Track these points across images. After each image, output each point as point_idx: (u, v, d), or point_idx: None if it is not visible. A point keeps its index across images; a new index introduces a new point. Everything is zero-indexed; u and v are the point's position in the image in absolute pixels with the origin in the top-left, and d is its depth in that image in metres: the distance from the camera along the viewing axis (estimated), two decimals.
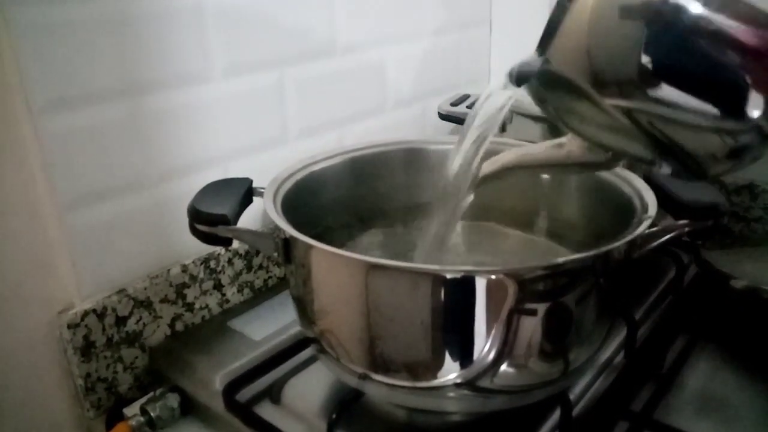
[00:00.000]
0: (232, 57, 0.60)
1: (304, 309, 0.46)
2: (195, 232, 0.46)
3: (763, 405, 0.53)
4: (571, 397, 0.49)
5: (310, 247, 0.42)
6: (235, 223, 0.47)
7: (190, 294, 0.62)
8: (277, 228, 0.43)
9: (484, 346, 0.41)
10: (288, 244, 0.44)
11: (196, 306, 0.63)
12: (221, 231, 0.45)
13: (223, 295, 0.65)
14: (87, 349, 0.55)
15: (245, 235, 0.46)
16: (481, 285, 0.40)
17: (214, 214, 0.45)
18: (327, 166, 0.55)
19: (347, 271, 0.42)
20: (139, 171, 0.56)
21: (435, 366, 0.42)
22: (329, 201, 0.56)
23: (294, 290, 0.47)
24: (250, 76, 0.62)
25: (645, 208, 0.45)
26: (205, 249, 0.62)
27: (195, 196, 0.48)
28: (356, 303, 0.42)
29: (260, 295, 0.68)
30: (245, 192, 0.50)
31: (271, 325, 0.61)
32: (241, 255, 0.65)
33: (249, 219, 0.50)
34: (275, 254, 0.45)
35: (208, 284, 0.63)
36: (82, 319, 0.54)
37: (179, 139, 0.58)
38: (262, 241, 0.45)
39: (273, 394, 0.53)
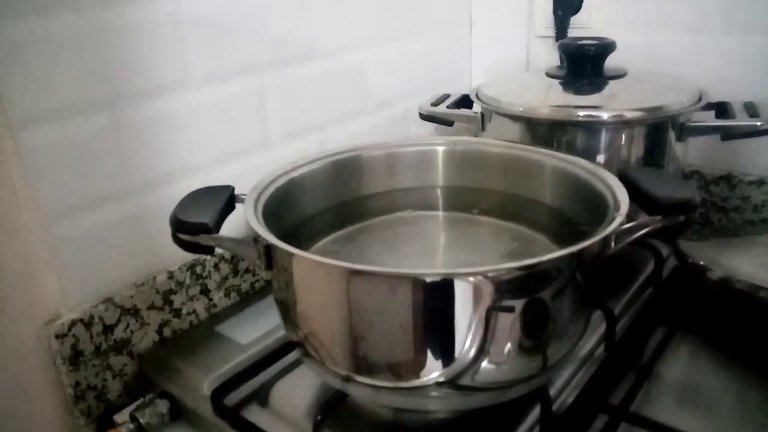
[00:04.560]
0: (211, 65, 0.61)
1: (288, 314, 0.47)
2: (177, 241, 0.47)
3: (739, 392, 0.54)
4: (552, 391, 0.50)
5: (291, 254, 0.43)
6: (218, 231, 0.47)
7: (177, 300, 0.63)
8: (259, 235, 0.44)
9: (464, 345, 0.42)
10: (270, 251, 0.45)
11: (184, 312, 0.64)
12: (203, 239, 0.45)
13: (210, 300, 0.66)
14: (75, 358, 0.55)
15: (227, 243, 0.46)
16: (459, 287, 0.40)
17: (195, 222, 0.45)
18: (307, 171, 0.56)
19: (328, 277, 0.43)
20: (121, 180, 0.57)
21: (417, 366, 0.43)
22: (311, 206, 0.57)
23: (277, 296, 0.48)
24: (230, 83, 0.63)
25: (617, 206, 0.46)
26: (191, 255, 0.62)
27: (177, 205, 0.48)
28: (338, 308, 0.43)
29: (247, 299, 0.69)
30: (227, 199, 0.50)
31: (258, 328, 0.62)
32: (227, 260, 0.66)
33: (233, 226, 0.51)
34: (258, 261, 0.46)
35: (195, 290, 0.64)
36: (70, 329, 0.54)
37: (161, 148, 0.59)
38: (245, 248, 0.46)
39: (261, 397, 0.53)
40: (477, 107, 0.73)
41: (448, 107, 0.75)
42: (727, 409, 0.52)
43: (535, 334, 0.44)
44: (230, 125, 0.64)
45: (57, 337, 0.54)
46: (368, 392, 0.45)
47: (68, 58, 0.50)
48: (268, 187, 0.51)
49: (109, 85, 0.54)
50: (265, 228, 0.44)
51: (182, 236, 0.46)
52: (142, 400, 0.57)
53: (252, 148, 0.67)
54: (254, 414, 0.52)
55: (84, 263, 0.56)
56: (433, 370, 0.43)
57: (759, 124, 0.63)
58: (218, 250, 0.61)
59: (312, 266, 0.43)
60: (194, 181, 0.62)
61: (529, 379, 0.45)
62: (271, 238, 0.43)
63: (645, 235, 0.45)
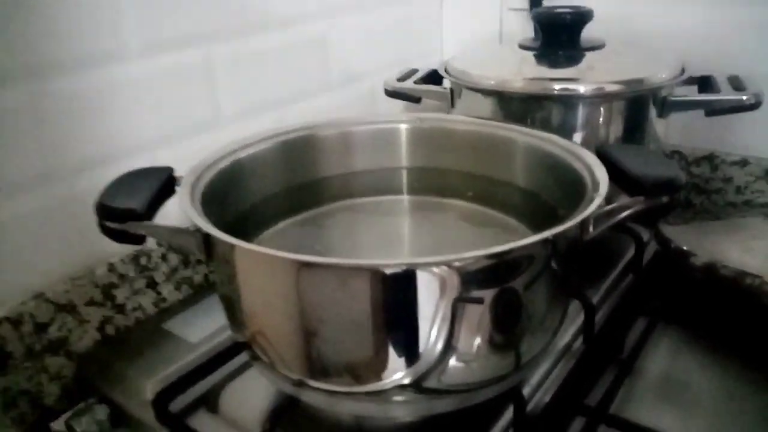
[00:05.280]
0: (150, 33, 0.56)
1: (232, 312, 0.42)
2: (104, 230, 0.41)
3: (725, 387, 0.51)
4: (526, 389, 0.47)
5: (233, 246, 0.38)
6: (151, 218, 0.42)
7: (120, 294, 0.58)
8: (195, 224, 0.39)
9: (428, 342, 0.38)
10: (209, 241, 0.40)
11: (128, 307, 0.58)
12: (131, 227, 0.40)
13: (159, 293, 0.61)
14: (3, 361, 0.50)
15: (161, 231, 0.41)
16: (422, 279, 0.36)
17: (120, 208, 0.40)
18: (255, 152, 0.50)
19: (275, 271, 0.38)
20: (48, 162, 0.51)
21: (377, 368, 0.39)
22: (259, 190, 0.52)
23: (220, 291, 0.43)
24: (172, 54, 0.58)
25: (596, 186, 0.42)
26: (136, 245, 0.57)
27: (104, 188, 0.43)
28: (287, 305, 0.38)
29: (201, 292, 0.63)
30: (164, 182, 0.45)
31: (210, 325, 0.56)
32: (176, 249, 0.61)
33: (177, 213, 0.45)
34: (197, 252, 0.41)
35: (140, 283, 0.59)
36: None
37: (93, 126, 0.53)
38: (181, 237, 0.41)
39: (210, 401, 0.49)
40: (447, 83, 0.68)
41: (415, 83, 0.71)
42: (715, 407, 0.49)
43: (507, 328, 0.40)
44: (175, 102, 0.59)
45: None
46: (323, 398, 0.41)
47: None
48: (210, 168, 0.46)
49: (28, 54, 0.48)
50: (202, 215, 0.39)
51: (109, 224, 0.41)
52: (79, 406, 0.52)
53: (201, 126, 0.62)
54: (202, 421, 0.47)
55: (9, 255, 0.50)
56: (396, 372, 0.39)
57: (745, 98, 0.59)
58: None
59: (256, 259, 0.39)
60: (137, 163, 0.55)
61: (502, 378, 0.42)
62: (209, 227, 0.38)
63: (626, 218, 0.42)
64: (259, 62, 0.66)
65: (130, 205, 0.40)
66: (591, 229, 0.40)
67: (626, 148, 0.48)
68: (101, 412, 0.51)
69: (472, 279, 0.37)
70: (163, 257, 0.60)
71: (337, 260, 0.37)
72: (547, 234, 0.37)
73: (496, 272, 0.37)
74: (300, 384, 0.40)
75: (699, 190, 0.77)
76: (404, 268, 0.36)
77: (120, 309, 0.58)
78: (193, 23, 0.59)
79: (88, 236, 0.55)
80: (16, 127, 0.48)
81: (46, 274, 0.53)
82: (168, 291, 0.61)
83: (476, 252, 0.36)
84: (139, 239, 0.42)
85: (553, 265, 0.40)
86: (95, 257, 0.56)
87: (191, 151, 0.60)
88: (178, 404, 0.48)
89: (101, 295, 0.56)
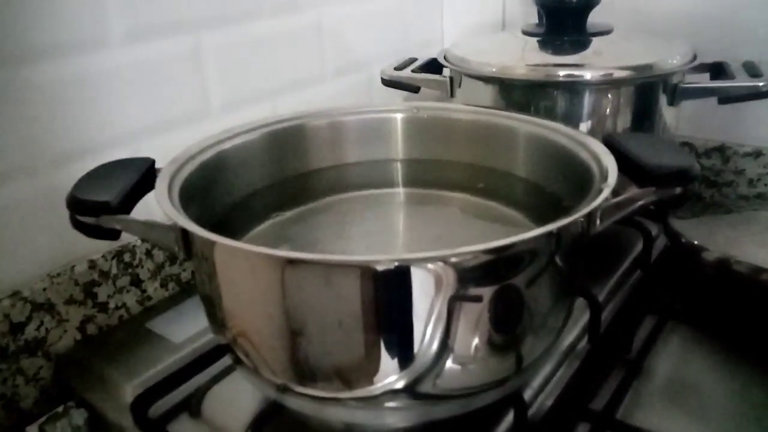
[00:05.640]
0: (134, 19, 0.53)
1: (213, 312, 0.40)
2: (76, 224, 0.39)
3: (739, 390, 0.48)
4: (528, 393, 0.44)
5: (212, 242, 0.35)
6: (128, 212, 0.39)
7: (102, 293, 0.55)
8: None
9: (423, 344, 0.35)
10: (188, 237, 0.37)
11: (111, 306, 0.56)
12: (104, 221, 0.37)
13: (143, 291, 0.58)
14: None
15: (135, 226, 0.38)
16: (416, 276, 0.34)
17: (92, 200, 0.37)
18: (241, 143, 0.48)
19: (259, 269, 0.35)
20: (26, 154, 0.49)
21: (368, 372, 0.36)
22: (246, 184, 0.49)
23: (201, 290, 0.40)
24: (158, 42, 0.55)
25: (604, 176, 0.39)
26: (118, 240, 0.55)
27: (78, 180, 0.40)
28: (272, 305, 0.36)
29: (189, 290, 0.61)
30: (143, 174, 0.42)
31: (196, 324, 0.54)
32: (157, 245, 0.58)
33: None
34: (175, 249, 0.38)
35: (124, 280, 0.56)
36: None
37: (74, 117, 0.51)
38: (159, 233, 0.38)
39: (192, 406, 0.46)
40: (447, 72, 0.66)
41: (413, 71, 0.68)
42: (728, 411, 0.46)
43: (507, 327, 0.38)
44: (161, 92, 0.56)
45: None
46: (310, 404, 0.38)
47: None
48: (192, 160, 0.43)
49: (5, 39, 0.45)
50: (179, 209, 0.37)
51: (80, 218, 0.38)
52: (55, 410, 0.49)
53: (190, 118, 0.59)
54: (183, 426, 0.45)
55: None
56: (388, 376, 0.36)
57: (761, 84, 0.56)
58: None
59: (237, 256, 0.36)
60: (119, 155, 0.53)
61: (502, 382, 0.39)
62: (186, 222, 0.35)
63: (635, 210, 0.39)
64: (251, 51, 0.63)
65: (103, 197, 0.37)
66: (598, 222, 0.37)
67: (635, 137, 0.45)
68: (78, 416, 0.49)
69: (470, 276, 0.34)
70: (148, 253, 0.58)
71: (324, 257, 0.35)
72: (551, 227, 0.34)
73: (496, 268, 0.35)
74: (285, 389, 0.38)
75: (709, 183, 0.74)
76: (396, 264, 0.33)
77: (102, 308, 0.55)
78: (182, 9, 0.56)
79: (67, 231, 0.51)
80: None
81: (23, 271, 0.50)
82: (153, 289, 0.59)
83: (474, 247, 0.33)
84: (114, 234, 0.39)
85: (558, 260, 0.37)
86: (75, 254, 0.53)
87: (178, 143, 0.57)
88: (159, 408, 0.46)
89: (82, 294, 0.53)
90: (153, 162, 0.44)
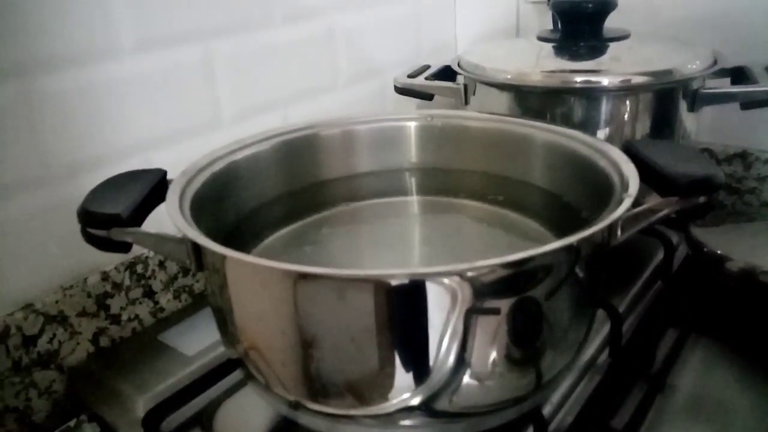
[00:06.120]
0: (143, 30, 0.53)
1: (225, 326, 0.39)
2: (87, 237, 0.38)
3: (764, 405, 0.46)
4: (547, 409, 0.43)
5: (223, 256, 0.34)
6: (139, 224, 0.39)
7: (115, 305, 0.55)
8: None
9: (438, 359, 0.34)
10: (199, 250, 0.36)
11: (124, 318, 0.55)
12: (115, 234, 0.37)
13: (156, 303, 0.58)
14: None
15: (147, 239, 0.38)
16: (431, 291, 0.33)
17: (103, 213, 0.37)
18: (252, 153, 0.47)
19: (271, 283, 0.35)
20: (39, 165, 0.49)
21: (382, 388, 0.35)
22: (258, 195, 0.48)
23: (212, 303, 0.40)
24: (167, 52, 0.55)
25: (625, 185, 0.38)
26: (130, 252, 0.54)
27: (89, 192, 0.40)
28: (284, 319, 0.35)
29: (201, 301, 0.60)
30: (154, 186, 0.41)
31: (209, 336, 0.53)
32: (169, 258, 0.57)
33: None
34: (186, 262, 0.37)
35: (137, 292, 0.56)
36: None
37: (84, 127, 0.51)
38: (169, 246, 0.37)
39: (204, 420, 0.45)
40: (460, 79, 0.65)
41: (427, 79, 0.67)
42: (754, 427, 0.44)
43: (527, 342, 0.37)
44: (172, 101, 0.56)
45: None
46: (323, 421, 0.38)
47: None
48: (203, 171, 0.43)
49: (16, 51, 0.45)
50: (190, 222, 0.36)
51: (92, 231, 0.38)
52: (68, 424, 0.49)
53: (200, 128, 0.59)
54: None
55: None
56: (403, 392, 0.35)
57: None
58: None
59: (249, 270, 0.35)
60: (130, 166, 0.53)
61: (521, 399, 0.38)
62: (197, 236, 0.35)
63: (657, 220, 0.38)
64: (261, 60, 0.63)
65: (114, 210, 0.37)
66: (619, 233, 0.36)
67: (656, 144, 0.44)
68: (90, 430, 0.48)
69: (487, 289, 0.33)
70: (161, 265, 0.57)
71: (336, 271, 0.34)
72: (571, 239, 0.33)
73: (514, 281, 0.34)
74: (297, 406, 0.37)
75: (731, 190, 0.72)
76: (411, 279, 0.33)
77: (115, 319, 0.55)
78: (192, 18, 0.56)
79: (79, 243, 0.51)
80: (3, 127, 0.46)
81: (35, 283, 0.50)
82: (166, 301, 0.58)
83: (492, 260, 0.32)
84: (125, 247, 0.38)
85: (578, 272, 0.37)
86: (88, 265, 0.53)
87: (188, 153, 0.57)
88: (171, 423, 0.45)
89: (94, 306, 0.53)
90: (165, 173, 0.44)
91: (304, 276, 0.34)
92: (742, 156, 0.71)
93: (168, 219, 0.40)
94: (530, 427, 0.40)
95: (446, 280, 0.32)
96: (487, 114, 0.53)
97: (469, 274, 0.32)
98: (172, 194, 0.39)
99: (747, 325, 0.53)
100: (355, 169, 0.53)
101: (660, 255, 0.59)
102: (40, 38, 0.47)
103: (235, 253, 0.34)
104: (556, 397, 0.44)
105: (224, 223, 0.44)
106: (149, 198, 0.41)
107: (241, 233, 0.46)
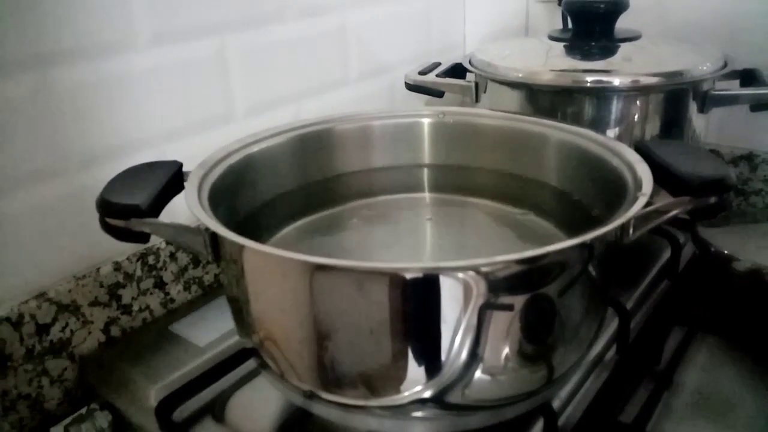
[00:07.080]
0: (160, 23, 0.53)
1: (240, 316, 0.39)
2: (106, 227, 0.39)
3: None
4: (556, 403, 0.43)
5: (241, 246, 0.35)
6: (156, 215, 0.39)
7: (127, 295, 0.55)
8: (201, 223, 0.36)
9: (452, 353, 0.35)
10: (217, 241, 0.37)
11: (135, 308, 0.56)
12: (134, 225, 0.37)
13: (167, 294, 0.58)
14: (2, 364, 0.48)
15: (165, 230, 0.38)
16: (445, 285, 0.33)
17: (122, 204, 0.37)
18: (268, 147, 0.48)
19: (287, 273, 0.35)
20: (54, 155, 0.49)
21: (395, 380, 0.36)
22: (273, 187, 0.49)
23: (228, 293, 0.40)
24: (183, 45, 0.55)
25: (638, 185, 0.39)
26: (143, 243, 0.55)
27: (107, 183, 0.40)
28: (299, 310, 0.35)
29: (211, 293, 0.61)
30: (171, 178, 0.42)
31: (219, 327, 0.54)
32: (184, 248, 0.58)
33: (186, 210, 0.42)
34: (204, 252, 0.38)
35: (148, 283, 0.56)
36: None
37: (100, 119, 0.51)
38: (187, 236, 0.38)
39: (216, 410, 0.46)
40: (471, 77, 0.65)
41: (438, 76, 0.67)
42: (759, 425, 0.45)
43: (539, 337, 0.37)
44: (186, 94, 0.56)
45: None
46: (336, 412, 0.38)
47: None
48: (220, 163, 0.43)
49: (34, 43, 0.46)
50: (209, 213, 0.37)
51: (110, 221, 0.38)
52: (80, 412, 0.49)
53: (214, 121, 0.59)
54: (208, 431, 0.44)
55: (10, 253, 0.48)
56: (416, 384, 0.36)
57: None
58: None
59: (266, 260, 0.36)
60: (144, 158, 0.53)
61: (532, 394, 0.38)
62: (216, 226, 0.35)
63: (669, 219, 0.38)
64: (275, 54, 0.63)
65: (133, 201, 0.38)
66: (631, 231, 0.37)
67: (667, 144, 0.44)
68: (102, 419, 0.49)
69: (501, 285, 0.33)
70: (172, 256, 0.58)
71: (353, 263, 0.34)
72: (585, 237, 0.34)
73: (528, 278, 0.34)
74: (311, 396, 0.37)
75: (736, 191, 0.73)
76: (426, 272, 0.33)
77: (126, 309, 0.55)
78: (207, 12, 0.56)
79: (92, 233, 0.52)
80: (20, 118, 0.46)
81: (49, 272, 0.51)
82: (177, 292, 0.59)
83: (507, 256, 0.33)
84: (143, 237, 0.39)
85: (590, 270, 0.37)
86: (100, 255, 0.53)
87: (203, 146, 0.57)
88: (183, 412, 0.46)
89: (106, 295, 0.54)
90: (180, 165, 0.44)
91: (321, 267, 0.34)
92: (749, 158, 0.71)
93: (180, 210, 0.40)
94: (540, 421, 0.40)
95: (461, 275, 0.33)
96: (500, 112, 0.54)
97: (485, 269, 0.33)
98: (191, 186, 0.39)
99: (753, 324, 0.54)
100: (369, 164, 0.54)
101: (667, 254, 0.60)
102: (58, 31, 0.47)
103: (254, 243, 0.34)
104: (565, 392, 0.44)
105: (238, 215, 0.45)
106: (166, 189, 0.41)
107: (256, 225, 0.46)
